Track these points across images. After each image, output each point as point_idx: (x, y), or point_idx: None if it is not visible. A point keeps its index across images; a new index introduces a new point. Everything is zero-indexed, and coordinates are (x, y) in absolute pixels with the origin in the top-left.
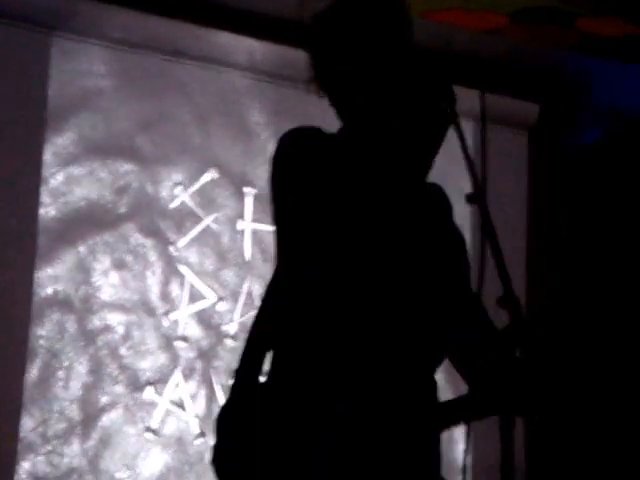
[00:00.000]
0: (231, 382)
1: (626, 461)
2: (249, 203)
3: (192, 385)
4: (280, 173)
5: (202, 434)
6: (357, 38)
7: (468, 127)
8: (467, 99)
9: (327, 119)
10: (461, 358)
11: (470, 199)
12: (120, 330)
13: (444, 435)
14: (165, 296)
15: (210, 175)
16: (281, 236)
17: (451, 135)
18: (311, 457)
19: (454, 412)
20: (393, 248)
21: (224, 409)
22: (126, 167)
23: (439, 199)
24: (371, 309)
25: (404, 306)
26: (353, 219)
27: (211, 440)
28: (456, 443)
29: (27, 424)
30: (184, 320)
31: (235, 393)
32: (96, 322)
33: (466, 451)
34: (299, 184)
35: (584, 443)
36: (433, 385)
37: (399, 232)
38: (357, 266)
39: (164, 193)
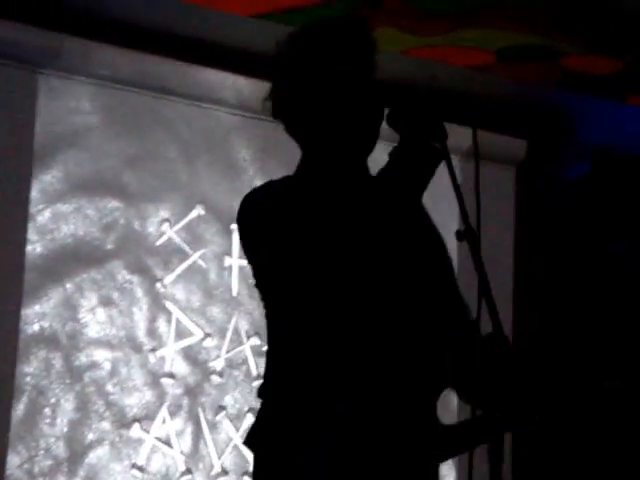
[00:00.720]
0: (218, 418)
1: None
2: (236, 239)
3: (179, 422)
4: (248, 233)
5: (188, 471)
6: (317, 60)
7: (454, 163)
8: (453, 135)
9: None
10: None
11: (460, 236)
12: (107, 367)
13: None
14: (152, 333)
15: (197, 211)
16: (270, 289)
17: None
18: (310, 457)
19: (457, 441)
20: (386, 255)
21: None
22: (113, 204)
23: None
24: (371, 314)
25: (402, 312)
26: (339, 243)
27: (197, 477)
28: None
29: (13, 461)
30: (171, 356)
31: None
32: (83, 359)
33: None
34: (280, 233)
35: (570, 469)
36: (434, 393)
37: (388, 256)
38: (356, 275)
39: (151, 229)
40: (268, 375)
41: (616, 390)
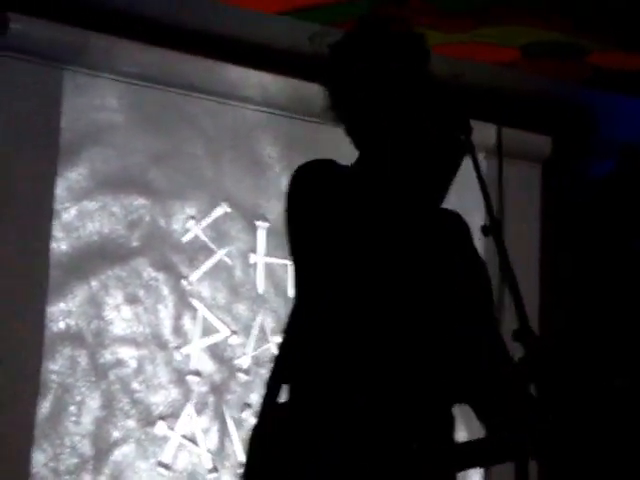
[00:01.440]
0: (244, 415)
1: None
2: (261, 236)
3: (204, 419)
4: (295, 207)
5: (215, 469)
6: (376, 65)
7: (480, 160)
8: (478, 132)
9: (340, 152)
10: (475, 391)
11: (485, 231)
12: (132, 364)
13: None
14: (177, 330)
15: (222, 209)
16: (298, 269)
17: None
18: (321, 455)
19: (471, 455)
20: (408, 271)
21: (252, 432)
22: (138, 201)
23: (457, 224)
24: (389, 313)
25: (420, 323)
26: (368, 247)
27: (224, 475)
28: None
29: (39, 459)
30: (196, 354)
31: (260, 418)
32: (108, 356)
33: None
34: (314, 218)
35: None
36: (450, 420)
37: (414, 258)
38: (373, 287)
39: (176, 227)
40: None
41: (628, 388)
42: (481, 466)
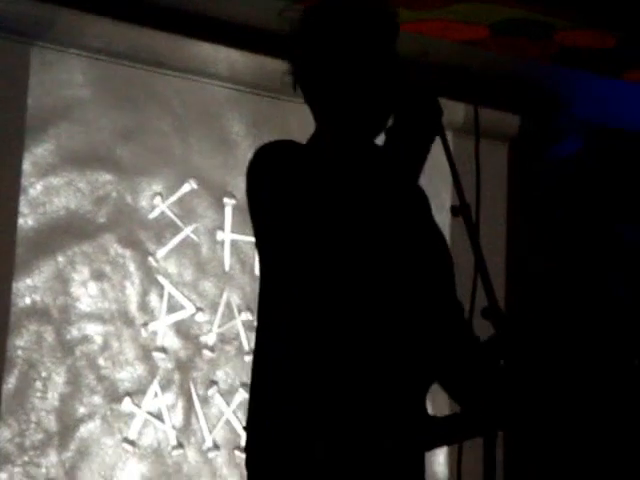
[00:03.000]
0: (210, 392)
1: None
2: (229, 214)
3: (170, 396)
4: (257, 190)
5: (180, 445)
6: (345, 37)
7: (447, 138)
8: (446, 111)
9: (306, 129)
10: (445, 369)
11: (455, 211)
12: (98, 341)
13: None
14: (144, 307)
15: (190, 185)
16: (265, 253)
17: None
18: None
19: (445, 431)
20: (386, 253)
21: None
22: (105, 177)
23: (422, 199)
24: (364, 306)
25: (396, 305)
26: (342, 226)
27: (189, 452)
28: (435, 456)
29: (4, 434)
30: (163, 331)
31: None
32: (74, 332)
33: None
34: (281, 201)
35: (564, 458)
36: (423, 399)
37: (390, 237)
38: (352, 271)
39: (143, 203)
40: (258, 366)
41: None
42: (449, 444)
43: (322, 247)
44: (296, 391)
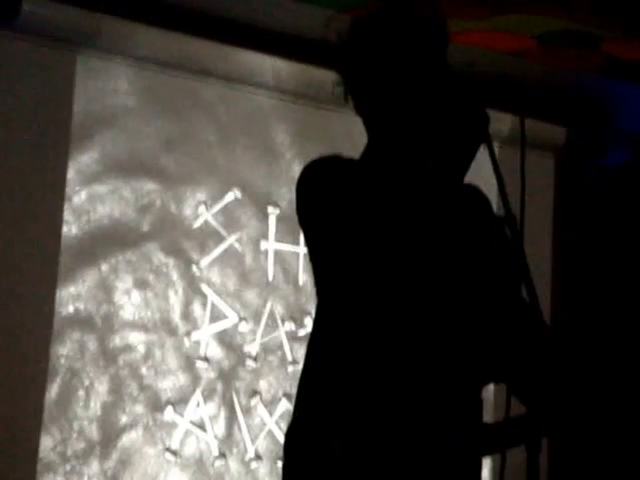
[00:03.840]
0: (252, 402)
1: None
2: (272, 223)
3: (212, 406)
4: (306, 207)
5: (222, 455)
6: (397, 47)
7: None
8: (493, 121)
9: (352, 139)
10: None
11: (501, 222)
12: (141, 350)
13: None
14: (187, 316)
15: (233, 194)
16: (316, 267)
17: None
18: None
19: (503, 435)
20: (430, 262)
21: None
22: (149, 186)
23: (473, 200)
24: (407, 313)
25: (446, 319)
26: (386, 238)
27: (231, 462)
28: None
29: (47, 443)
30: (205, 340)
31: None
32: (117, 341)
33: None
34: (329, 214)
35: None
36: (479, 404)
37: (434, 245)
38: (398, 282)
39: (187, 212)
40: (305, 370)
41: None
42: (504, 450)
43: (360, 260)
44: (322, 391)
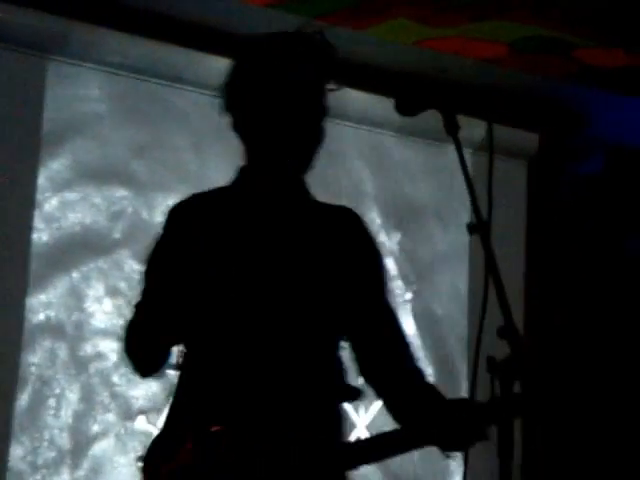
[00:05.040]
0: None
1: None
2: None
3: None
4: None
5: None
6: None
7: (466, 156)
8: (465, 128)
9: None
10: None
11: (472, 229)
12: (112, 357)
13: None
14: None
15: None
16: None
17: (445, 165)
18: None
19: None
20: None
21: None
22: (121, 192)
23: (333, 220)
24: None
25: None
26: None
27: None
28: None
29: (16, 452)
30: (177, 348)
31: None
32: (88, 349)
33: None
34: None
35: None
36: (337, 418)
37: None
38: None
39: (159, 219)
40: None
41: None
42: (376, 461)
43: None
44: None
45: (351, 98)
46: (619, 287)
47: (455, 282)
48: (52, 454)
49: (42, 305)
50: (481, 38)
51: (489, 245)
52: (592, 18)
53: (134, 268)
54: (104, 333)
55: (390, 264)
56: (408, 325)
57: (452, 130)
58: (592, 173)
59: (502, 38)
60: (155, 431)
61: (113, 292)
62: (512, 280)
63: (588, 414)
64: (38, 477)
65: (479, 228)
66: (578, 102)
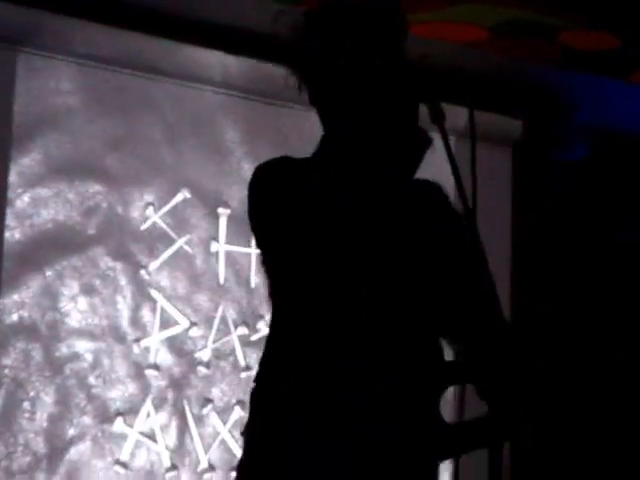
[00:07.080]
0: (204, 411)
1: None
2: (223, 224)
3: (163, 415)
4: (260, 210)
5: (174, 467)
6: (352, 39)
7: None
8: (448, 115)
9: (301, 134)
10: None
11: None
12: (88, 358)
13: None
14: (135, 322)
15: (182, 195)
16: (274, 273)
17: (430, 153)
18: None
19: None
20: (378, 258)
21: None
22: (95, 188)
23: (424, 199)
24: (353, 309)
25: (393, 314)
26: (336, 236)
27: (183, 473)
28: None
29: None
30: (155, 347)
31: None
32: (63, 350)
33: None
34: (281, 218)
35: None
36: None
37: (382, 242)
38: (346, 277)
39: (135, 214)
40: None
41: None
42: (463, 453)
43: (311, 264)
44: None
45: None
46: (607, 275)
47: None
48: (27, 459)
49: (15, 305)
50: (461, 22)
51: (476, 233)
52: (572, 1)
53: (109, 265)
54: (79, 333)
55: None
56: None
57: (437, 119)
58: (577, 159)
59: (483, 22)
60: (132, 433)
61: (88, 290)
62: (498, 267)
63: (576, 409)
64: None
65: (465, 215)
66: (563, 86)
